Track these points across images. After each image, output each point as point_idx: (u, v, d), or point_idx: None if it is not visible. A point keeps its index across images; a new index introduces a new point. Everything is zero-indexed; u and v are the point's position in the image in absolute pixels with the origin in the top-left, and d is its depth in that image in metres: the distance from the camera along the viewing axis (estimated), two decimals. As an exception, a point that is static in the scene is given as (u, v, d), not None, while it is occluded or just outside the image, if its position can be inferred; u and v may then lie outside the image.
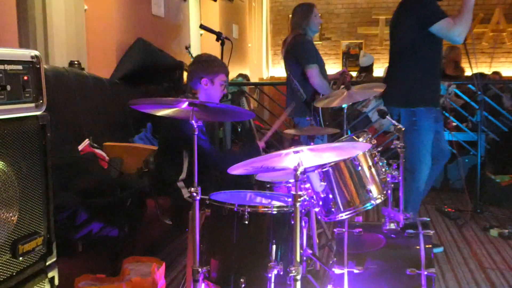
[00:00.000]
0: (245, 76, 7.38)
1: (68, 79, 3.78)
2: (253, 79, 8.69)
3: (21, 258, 1.72)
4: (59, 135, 3.24)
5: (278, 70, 10.92)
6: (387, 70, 3.91)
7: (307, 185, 2.29)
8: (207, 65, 2.98)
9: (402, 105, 3.69)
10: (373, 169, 2.36)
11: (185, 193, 2.89)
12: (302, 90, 4.03)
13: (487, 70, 8.46)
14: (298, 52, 4.04)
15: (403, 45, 3.66)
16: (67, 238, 2.62)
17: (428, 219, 2.59)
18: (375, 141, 2.53)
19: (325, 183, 2.27)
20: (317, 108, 3.91)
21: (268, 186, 2.71)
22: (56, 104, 3.57)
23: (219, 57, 4.13)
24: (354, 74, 8.09)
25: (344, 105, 3.33)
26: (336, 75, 4.27)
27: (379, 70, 9.32)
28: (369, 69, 7.59)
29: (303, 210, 2.23)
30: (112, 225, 2.85)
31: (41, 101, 1.82)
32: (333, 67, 10.35)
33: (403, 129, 2.75)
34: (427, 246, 2.33)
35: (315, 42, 4.26)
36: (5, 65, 1.68)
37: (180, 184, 2.91)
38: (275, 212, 2.14)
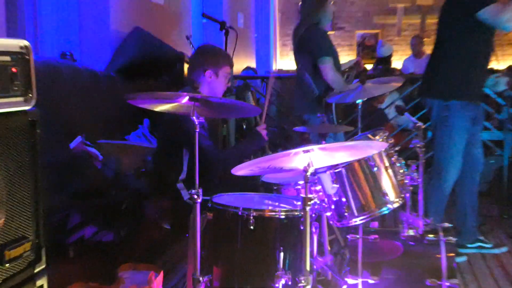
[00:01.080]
0: (252, 70, 7.37)
1: (60, 72, 3.79)
2: (260, 71, 8.67)
3: (7, 264, 1.73)
4: (49, 132, 3.25)
5: (287, 62, 10.90)
6: (428, 60, 3.86)
7: (318, 187, 2.28)
8: (212, 56, 2.99)
9: (435, 96, 3.61)
10: (390, 170, 2.35)
11: (185, 195, 2.89)
12: (314, 85, 4.01)
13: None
14: (311, 44, 4.00)
15: (448, 33, 3.60)
16: (58, 243, 2.63)
17: (451, 225, 2.58)
18: (393, 140, 2.52)
19: (338, 185, 2.27)
20: (329, 104, 3.89)
21: (275, 188, 2.71)
22: (47, 99, 3.56)
23: (223, 47, 4.14)
24: (369, 67, 8.07)
25: (359, 101, 3.32)
26: (349, 65, 4.24)
27: (397, 62, 9.29)
28: (387, 60, 7.56)
29: (313, 215, 2.22)
30: (106, 229, 2.85)
31: (30, 95, 1.82)
32: (346, 59, 10.33)
33: (423, 127, 2.74)
34: (449, 254, 2.32)
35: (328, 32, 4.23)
36: (-8, 56, 1.68)
37: (180, 185, 2.91)
38: (283, 217, 2.14)
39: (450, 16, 3.59)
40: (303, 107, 4.02)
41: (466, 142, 3.60)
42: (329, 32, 10.98)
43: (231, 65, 3.06)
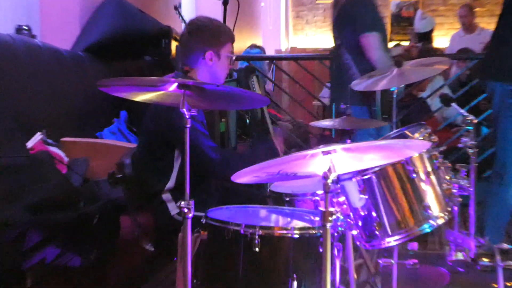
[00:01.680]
0: (259, 49, 7.37)
1: (14, 51, 3.80)
2: (268, 51, 8.69)
3: None
4: (1, 127, 3.26)
5: (301, 39, 10.91)
6: (493, 34, 3.86)
7: (342, 199, 2.28)
8: (212, 33, 2.98)
9: (498, 79, 3.61)
10: (433, 177, 2.35)
11: (173, 208, 2.89)
12: (356, 68, 4.02)
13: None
14: (354, 16, 4.03)
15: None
16: (12, 267, 2.64)
17: (510, 246, 2.57)
18: (436, 138, 2.52)
19: (367, 196, 2.27)
20: (372, 92, 3.90)
21: (287, 199, 2.71)
22: (-2, 85, 3.59)
23: (222, 21, 4.14)
24: (406, 44, 8.06)
25: (393, 88, 3.32)
26: (397, 53, 4.27)
27: (442, 39, 9.28)
28: (427, 37, 7.55)
29: (335, 234, 2.22)
30: (73, 251, 2.86)
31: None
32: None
33: (475, 121, 2.73)
34: (508, 283, 2.32)
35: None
36: None
37: (167, 196, 2.91)
38: (296, 236, 2.14)
39: None
40: (340, 95, 4.03)
41: None
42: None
43: (233, 41, 3.06)
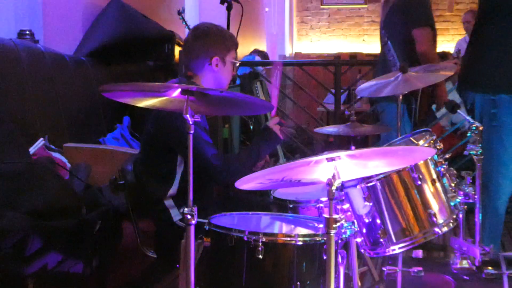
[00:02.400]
0: (262, 54, 7.39)
1: (17, 56, 3.81)
2: (272, 56, 8.70)
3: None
4: (2, 132, 3.27)
5: (306, 44, 10.91)
6: (469, 42, 3.89)
7: (346, 206, 2.28)
8: (218, 38, 3.00)
9: (478, 90, 3.64)
10: (438, 184, 2.35)
11: (176, 214, 2.90)
12: (399, 63, 4.06)
13: None
14: (409, 8, 4.17)
15: (489, 8, 3.63)
16: (13, 274, 2.64)
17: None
18: (442, 145, 2.52)
19: (371, 203, 2.27)
20: (415, 91, 3.93)
21: (291, 206, 2.71)
22: (0, 90, 3.59)
23: (225, 26, 4.15)
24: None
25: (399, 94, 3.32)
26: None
27: (448, 45, 9.28)
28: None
29: (339, 241, 2.22)
30: (74, 258, 2.86)
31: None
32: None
33: (481, 127, 2.74)
34: (513, 293, 2.31)
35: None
36: None
37: (169, 202, 2.92)
38: (300, 243, 2.14)
39: None
40: None
41: None
42: (361, 6, 10.98)
43: (237, 47, 3.08)
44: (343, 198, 2.29)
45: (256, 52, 7.42)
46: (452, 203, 2.40)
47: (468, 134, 2.84)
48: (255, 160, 2.93)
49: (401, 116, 3.80)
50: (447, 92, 5.74)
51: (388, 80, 3.34)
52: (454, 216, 2.36)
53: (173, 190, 2.92)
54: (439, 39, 8.46)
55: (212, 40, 2.99)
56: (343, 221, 2.14)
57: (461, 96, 3.80)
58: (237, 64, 3.08)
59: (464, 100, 3.74)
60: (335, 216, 1.85)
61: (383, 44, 4.29)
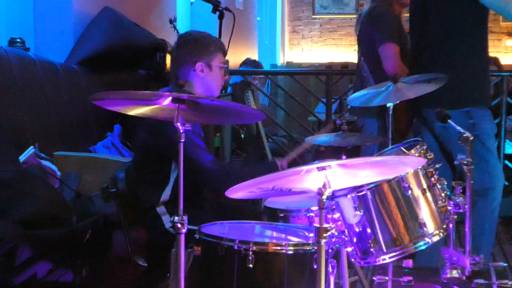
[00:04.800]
0: (254, 63, 7.40)
1: (7, 63, 3.81)
2: (264, 65, 8.72)
3: None
4: (-7, 140, 3.26)
5: (297, 53, 10.94)
6: (414, 58, 3.90)
7: (336, 215, 2.29)
8: (199, 44, 3.02)
9: (451, 106, 3.67)
10: (428, 194, 2.36)
11: (167, 221, 2.90)
12: (373, 82, 4.03)
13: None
14: (373, 25, 4.06)
15: (445, 24, 3.67)
16: (2, 283, 2.63)
17: (506, 264, 2.58)
18: (432, 155, 2.53)
19: (362, 213, 2.27)
20: (387, 107, 3.91)
21: (281, 215, 2.72)
22: (-10, 98, 3.59)
23: (217, 35, 4.16)
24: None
25: (390, 104, 3.34)
26: None
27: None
28: None
29: (330, 250, 2.23)
30: (65, 267, 2.85)
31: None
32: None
33: (472, 138, 2.75)
34: (503, 302, 2.32)
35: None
36: None
37: (161, 209, 2.92)
38: (291, 252, 2.14)
39: (443, 7, 3.66)
40: (358, 108, 4.05)
41: None
42: (353, 16, 10.99)
43: (225, 52, 3.09)
44: (334, 207, 2.29)
45: (248, 60, 7.43)
46: (442, 213, 2.41)
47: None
48: (249, 178, 2.94)
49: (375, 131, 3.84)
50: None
51: (379, 90, 3.36)
52: (444, 226, 2.37)
53: (165, 196, 2.92)
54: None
55: (193, 46, 3.02)
56: (333, 230, 2.16)
57: (424, 113, 3.82)
58: (227, 69, 3.09)
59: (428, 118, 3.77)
60: (325, 225, 1.85)
61: (358, 60, 4.27)
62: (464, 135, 2.78)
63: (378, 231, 2.28)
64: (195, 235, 2.27)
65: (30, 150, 3.63)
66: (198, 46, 3.01)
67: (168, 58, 5.11)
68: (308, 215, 2.60)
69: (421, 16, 3.83)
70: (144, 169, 2.99)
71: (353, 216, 2.28)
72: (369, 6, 4.19)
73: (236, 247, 2.14)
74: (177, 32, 5.16)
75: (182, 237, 2.12)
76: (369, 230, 2.28)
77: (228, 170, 2.94)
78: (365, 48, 4.17)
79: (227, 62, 3.15)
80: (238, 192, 1.95)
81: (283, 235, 2.41)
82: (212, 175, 2.83)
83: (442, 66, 3.68)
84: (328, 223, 1.87)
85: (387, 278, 2.44)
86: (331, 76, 5.65)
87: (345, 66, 9.52)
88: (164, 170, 2.92)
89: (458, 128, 2.89)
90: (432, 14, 3.76)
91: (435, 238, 2.32)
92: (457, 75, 3.62)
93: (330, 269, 2.17)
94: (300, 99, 6.33)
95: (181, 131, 2.13)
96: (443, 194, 2.46)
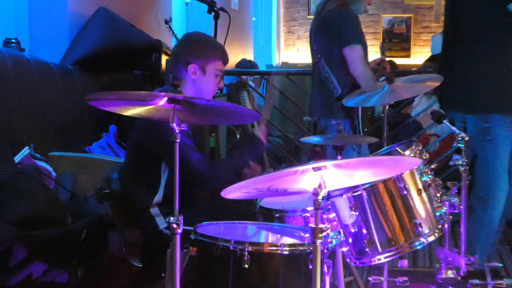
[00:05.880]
0: (250, 63, 7.40)
1: (2, 64, 3.80)
2: (259, 65, 8.72)
3: None
4: (-12, 141, 3.26)
5: (292, 54, 10.95)
6: (442, 61, 3.89)
7: (332, 215, 2.29)
8: (198, 46, 3.00)
9: (469, 111, 3.66)
10: (424, 194, 2.36)
11: (161, 222, 2.89)
12: (336, 82, 3.98)
13: None
14: (337, 26, 3.96)
15: (470, 27, 3.65)
16: (-3, 284, 2.63)
17: (501, 265, 2.59)
18: (427, 155, 2.53)
19: (357, 213, 2.27)
20: (355, 108, 3.89)
21: (277, 215, 2.72)
22: (-15, 98, 3.58)
23: (212, 35, 4.15)
24: (400, 61, 8.09)
25: (384, 104, 3.34)
26: (372, 65, 4.21)
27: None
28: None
29: (325, 250, 2.23)
30: (60, 267, 2.85)
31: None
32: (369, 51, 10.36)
33: (467, 138, 2.75)
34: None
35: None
36: None
37: (154, 210, 2.91)
38: (286, 253, 2.14)
39: (471, 3, 3.63)
40: (320, 110, 4.02)
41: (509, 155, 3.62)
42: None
43: (225, 60, 3.04)
44: (329, 207, 2.29)
45: (244, 61, 7.42)
46: (437, 213, 2.41)
47: (454, 145, 2.86)
48: (239, 164, 2.93)
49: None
50: (432, 105, 5.79)
51: (375, 90, 3.36)
52: (440, 226, 2.37)
53: (158, 197, 2.92)
54: (426, 49, 8.53)
55: (190, 46, 3.01)
56: (329, 231, 2.16)
57: (447, 114, 3.81)
58: (220, 75, 3.03)
59: (451, 118, 3.74)
60: (321, 225, 1.85)
61: (317, 61, 4.12)
62: (459, 135, 2.78)
63: (374, 231, 2.28)
64: (191, 236, 2.26)
65: (25, 150, 3.62)
66: (195, 48, 3.00)
67: (164, 58, 5.11)
68: (303, 215, 2.60)
69: (451, 14, 3.80)
70: (137, 171, 2.99)
71: (349, 216, 2.28)
72: (329, 6, 4.03)
73: (231, 248, 2.14)
74: (173, 32, 5.16)
75: (178, 238, 2.12)
76: (364, 230, 2.28)
77: (216, 167, 2.94)
78: (326, 48, 4.02)
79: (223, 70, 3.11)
80: (234, 192, 1.95)
81: (279, 236, 2.41)
82: (202, 173, 2.83)
83: (464, 67, 3.67)
84: (323, 223, 1.87)
85: (382, 278, 2.44)
86: (326, 76, 5.64)
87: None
88: (156, 171, 2.92)
89: (453, 128, 2.89)
90: (460, 13, 3.72)
91: (431, 239, 2.32)
92: (478, 79, 3.60)
93: (325, 269, 2.17)
94: (295, 99, 6.33)
95: (177, 131, 2.13)
96: (438, 195, 2.46)
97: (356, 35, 3.96)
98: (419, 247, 2.32)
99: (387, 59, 4.40)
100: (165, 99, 2.14)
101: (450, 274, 2.51)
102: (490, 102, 3.59)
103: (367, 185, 2.26)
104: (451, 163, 2.81)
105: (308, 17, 10.91)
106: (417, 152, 2.52)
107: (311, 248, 1.89)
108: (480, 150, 3.50)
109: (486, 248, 3.67)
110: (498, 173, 3.61)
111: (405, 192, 2.31)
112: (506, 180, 3.65)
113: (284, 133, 6.40)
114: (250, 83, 6.38)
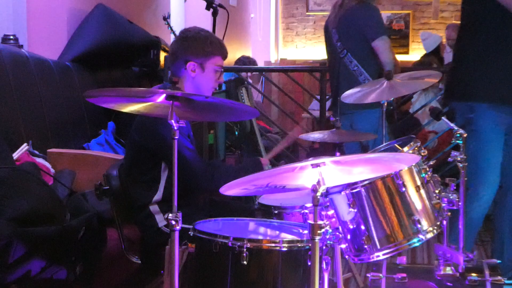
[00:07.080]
0: (249, 60, 7.40)
1: (0, 61, 3.80)
2: (258, 62, 8.72)
3: None
4: (-14, 137, 3.25)
5: (291, 50, 10.94)
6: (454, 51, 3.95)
7: (331, 212, 2.29)
8: (196, 42, 2.97)
9: (456, 98, 3.67)
10: (422, 191, 2.36)
11: (160, 220, 2.89)
12: (367, 74, 4.23)
13: None
14: (363, 21, 4.31)
15: (466, 18, 3.68)
16: (-5, 281, 2.63)
17: (499, 261, 2.59)
18: (426, 152, 2.53)
19: (356, 210, 2.28)
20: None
21: (276, 212, 2.72)
22: (-17, 95, 3.58)
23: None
24: (398, 58, 8.07)
25: (383, 101, 3.34)
26: None
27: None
28: (436, 53, 7.68)
29: (324, 247, 2.23)
30: (58, 264, 2.85)
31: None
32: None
33: (465, 135, 2.75)
34: (496, 299, 2.33)
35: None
36: None
37: (154, 208, 2.91)
38: (285, 249, 2.15)
39: None
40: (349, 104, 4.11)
41: (503, 154, 3.57)
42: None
43: (224, 55, 3.03)
44: (328, 204, 2.29)
45: (242, 58, 7.42)
46: (436, 210, 2.41)
47: (452, 141, 2.86)
48: (234, 177, 2.94)
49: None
50: (430, 101, 5.81)
51: (373, 87, 3.36)
52: (438, 223, 2.37)
53: (158, 196, 2.92)
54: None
55: (188, 43, 2.97)
56: (327, 227, 2.16)
57: (449, 107, 3.83)
58: (220, 72, 3.02)
59: (452, 111, 3.76)
60: (319, 222, 1.86)
61: (342, 56, 4.42)
62: (458, 132, 2.78)
63: (372, 228, 2.28)
64: (190, 232, 2.26)
65: (24, 147, 3.62)
66: (193, 45, 2.96)
67: (162, 55, 5.12)
68: (302, 212, 2.60)
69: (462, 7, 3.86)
70: (136, 168, 2.99)
71: (347, 213, 2.28)
72: (350, 3, 4.37)
73: (230, 244, 2.14)
74: (171, 29, 5.16)
75: (177, 234, 2.12)
76: (363, 227, 2.28)
77: (214, 171, 2.93)
78: (353, 42, 4.35)
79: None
80: (233, 189, 1.95)
81: (277, 232, 2.41)
82: (198, 176, 2.83)
83: (461, 58, 3.69)
84: (322, 220, 1.87)
85: (381, 275, 2.44)
86: (325, 73, 5.64)
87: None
88: (155, 169, 2.92)
89: (452, 124, 2.89)
90: (463, 6, 3.78)
91: (429, 235, 2.33)
92: (470, 69, 3.59)
93: (324, 266, 2.17)
94: (294, 96, 6.34)
95: (175, 128, 2.12)
96: (437, 191, 2.46)
97: (383, 27, 4.43)
98: (417, 244, 2.32)
99: None
100: (164, 95, 2.14)
101: (449, 270, 2.51)
102: (477, 91, 3.54)
103: (365, 182, 2.26)
104: (449, 159, 2.81)
105: (307, 13, 10.90)
106: (416, 148, 2.53)
107: (310, 245, 1.89)
108: (467, 142, 3.50)
109: (466, 241, 3.62)
110: (480, 167, 3.52)
111: (404, 189, 2.31)
112: (492, 176, 3.56)
113: (282, 130, 6.40)
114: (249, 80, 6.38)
